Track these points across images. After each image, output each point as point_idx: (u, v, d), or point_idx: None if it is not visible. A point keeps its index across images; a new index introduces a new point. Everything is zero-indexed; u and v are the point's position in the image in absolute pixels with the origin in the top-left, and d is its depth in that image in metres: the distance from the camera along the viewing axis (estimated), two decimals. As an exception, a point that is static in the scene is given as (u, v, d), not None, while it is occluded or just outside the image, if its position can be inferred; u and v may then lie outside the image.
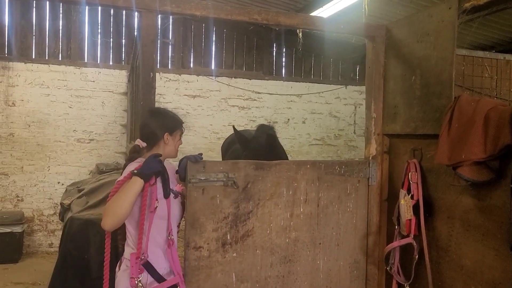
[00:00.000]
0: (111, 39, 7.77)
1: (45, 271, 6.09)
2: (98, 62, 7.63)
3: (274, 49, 8.48)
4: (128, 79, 7.26)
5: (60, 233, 6.91)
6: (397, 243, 2.95)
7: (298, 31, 6.82)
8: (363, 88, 8.67)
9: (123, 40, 7.86)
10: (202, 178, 2.33)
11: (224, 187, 2.43)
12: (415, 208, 2.90)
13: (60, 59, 7.39)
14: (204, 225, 2.39)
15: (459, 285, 2.62)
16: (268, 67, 8.41)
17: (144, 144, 2.40)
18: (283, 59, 8.56)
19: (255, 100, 8.04)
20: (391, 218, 3.26)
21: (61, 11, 7.42)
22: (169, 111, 2.63)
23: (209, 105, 7.83)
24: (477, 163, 2.35)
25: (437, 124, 2.73)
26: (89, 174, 7.21)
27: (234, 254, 2.50)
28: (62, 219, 5.01)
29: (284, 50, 8.54)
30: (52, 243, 7.15)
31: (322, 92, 8.25)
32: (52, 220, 7.14)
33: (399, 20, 3.19)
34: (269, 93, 8.03)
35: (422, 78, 2.89)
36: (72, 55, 7.46)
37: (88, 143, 7.36)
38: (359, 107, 8.60)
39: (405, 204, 2.93)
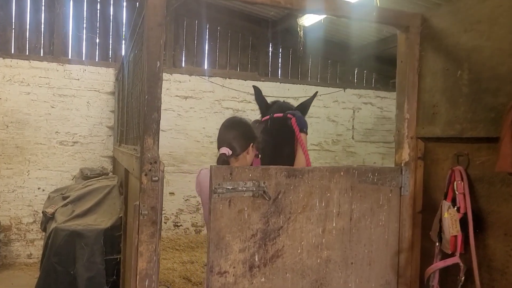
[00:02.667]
0: (98, 35, 7.27)
1: (23, 284, 5.58)
2: (83, 59, 7.12)
3: (270, 49, 8.10)
4: (116, 77, 6.77)
5: (41, 243, 6.37)
6: (442, 263, 2.56)
7: (298, 29, 6.45)
8: (362, 91, 8.44)
9: (111, 37, 7.37)
10: (229, 187, 1.90)
11: (253, 198, 2.01)
12: (462, 223, 2.53)
13: (42, 54, 6.86)
14: (230, 244, 1.95)
15: (520, 313, 2.25)
16: (264, 68, 8.01)
17: (230, 152, 2.43)
18: (279, 60, 8.18)
19: (250, 102, 7.62)
20: (425, 233, 2.89)
21: (43, 3, 6.89)
22: (249, 121, 2.73)
23: (202, 107, 7.38)
24: (553, 171, 1.99)
25: (491, 126, 2.36)
26: (72, 179, 6.69)
27: (263, 279, 2.07)
28: (44, 229, 4.50)
29: (280, 51, 8.16)
30: (31, 253, 6.57)
31: (320, 95, 7.88)
32: (32, 229, 6.57)
33: (439, 7, 2.82)
34: (265, 95, 7.60)
35: (471, 73, 2.53)
36: (55, 50, 6.92)
37: (71, 146, 6.82)
38: (358, 111, 8.28)
39: (449, 217, 2.55)
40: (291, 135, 3.08)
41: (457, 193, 2.55)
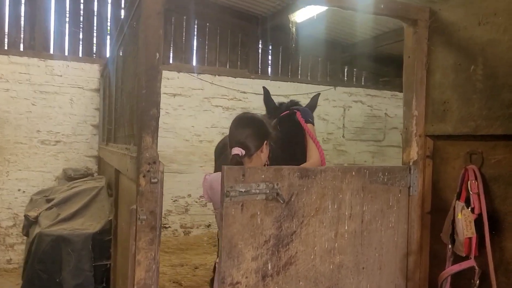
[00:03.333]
0: (81, 30, 6.99)
1: (2, 292, 5.29)
2: (66, 54, 6.83)
3: (260, 46, 7.93)
4: (101, 74, 6.52)
5: (21, 247, 6.08)
6: (457, 266, 2.45)
7: (290, 25, 6.30)
8: (352, 89, 8.35)
9: (95, 32, 7.09)
10: (242, 190, 1.74)
11: (266, 201, 1.85)
12: (476, 224, 2.42)
13: (22, 49, 6.54)
14: (243, 252, 1.79)
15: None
16: (254, 65, 7.84)
17: (244, 152, 2.28)
18: (270, 57, 8.02)
19: (240, 100, 7.45)
20: (434, 234, 2.78)
21: (23, -4, 6.58)
22: (261, 117, 2.56)
23: (191, 105, 7.17)
24: None
25: (510, 123, 2.26)
26: (54, 180, 6.42)
27: (275, 289, 1.91)
28: (26, 234, 4.25)
29: (270, 48, 8.00)
30: (10, 259, 6.26)
31: (311, 93, 7.75)
32: (11, 233, 6.25)
33: (449, 0, 2.70)
34: (255, 93, 7.46)
35: (485, 68, 2.42)
36: (36, 45, 6.61)
37: (54, 145, 6.53)
38: (348, 110, 8.18)
39: (463, 219, 2.44)
40: (301, 132, 2.94)
41: (471, 193, 2.45)
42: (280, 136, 2.61)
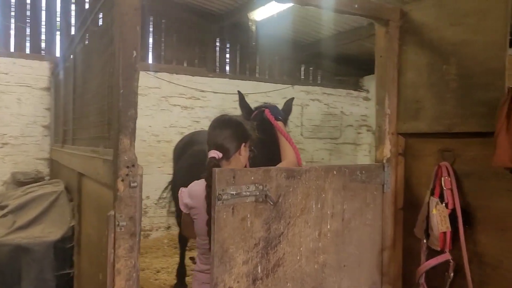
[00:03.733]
0: (28, 25, 6.58)
1: None
2: (12, 50, 6.40)
3: (218, 44, 7.83)
4: (52, 72, 6.17)
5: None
6: (434, 260, 2.52)
7: (250, 23, 6.26)
8: (310, 88, 8.45)
9: (43, 27, 6.70)
10: (233, 192, 1.68)
11: (256, 203, 1.80)
12: (450, 219, 2.51)
13: (-38, 45, 6.07)
14: (234, 257, 1.73)
15: (515, 307, 2.25)
16: (212, 64, 7.72)
17: (221, 155, 2.21)
18: (228, 56, 7.94)
19: (199, 99, 7.31)
20: (407, 230, 2.85)
21: (-37, -13, 6.11)
22: (240, 119, 2.49)
23: (148, 104, 6.94)
24: (553, 165, 1.99)
25: (483, 121, 2.35)
26: (2, 185, 6.00)
27: (266, 292, 1.87)
28: (-24, 245, 3.92)
29: (228, 46, 7.92)
30: (-47, 271, 5.78)
31: (269, 91, 7.77)
32: (-46, 244, 5.78)
33: (420, 1, 2.77)
34: (214, 92, 7.36)
35: (459, 68, 2.50)
36: (-22, 41, 6.16)
37: (0, 148, 6.10)
38: (306, 108, 8.26)
39: (438, 214, 2.51)
40: (271, 130, 2.89)
41: (444, 188, 2.52)
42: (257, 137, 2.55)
